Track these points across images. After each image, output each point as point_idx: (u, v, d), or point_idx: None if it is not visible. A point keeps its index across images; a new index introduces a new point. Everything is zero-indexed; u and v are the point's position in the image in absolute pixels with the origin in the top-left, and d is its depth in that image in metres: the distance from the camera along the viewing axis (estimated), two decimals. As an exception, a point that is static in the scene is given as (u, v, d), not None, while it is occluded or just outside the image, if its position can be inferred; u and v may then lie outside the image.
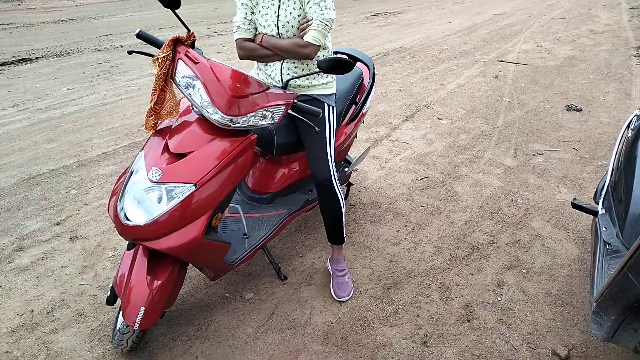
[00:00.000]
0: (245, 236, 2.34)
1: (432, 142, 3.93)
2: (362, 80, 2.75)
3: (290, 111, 2.03)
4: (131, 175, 1.91)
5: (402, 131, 4.13)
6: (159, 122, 1.98)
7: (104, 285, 2.48)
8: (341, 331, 2.19)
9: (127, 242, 2.01)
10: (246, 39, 2.22)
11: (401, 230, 2.86)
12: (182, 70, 1.86)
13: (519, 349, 2.08)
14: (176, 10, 1.84)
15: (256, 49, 2.21)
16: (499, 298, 2.36)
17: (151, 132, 1.99)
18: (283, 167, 2.57)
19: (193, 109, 2.05)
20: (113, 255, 2.70)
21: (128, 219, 1.84)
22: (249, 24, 2.21)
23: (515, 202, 3.11)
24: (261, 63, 2.33)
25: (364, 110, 2.77)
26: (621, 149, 2.39)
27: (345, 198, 2.93)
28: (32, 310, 2.32)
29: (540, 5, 9.22)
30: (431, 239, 2.78)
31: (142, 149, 1.95)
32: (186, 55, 1.85)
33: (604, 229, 2.14)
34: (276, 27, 2.17)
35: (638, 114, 2.53)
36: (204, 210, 1.89)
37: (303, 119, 2.13)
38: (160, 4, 1.84)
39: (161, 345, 2.13)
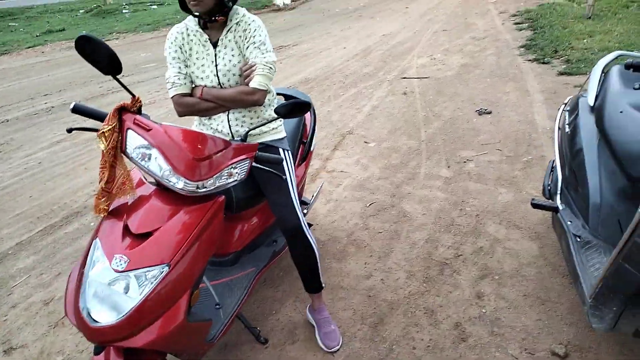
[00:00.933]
0: (218, 306, 2.15)
1: (368, 166, 3.95)
2: (305, 119, 2.69)
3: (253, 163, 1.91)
4: (89, 268, 1.67)
5: (335, 161, 4.12)
6: (111, 202, 1.76)
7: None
8: (343, 384, 2.06)
9: (95, 348, 1.73)
10: (184, 94, 2.07)
11: (368, 262, 2.80)
12: (134, 140, 1.67)
13: (520, 357, 2.09)
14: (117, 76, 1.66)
15: (197, 103, 2.07)
16: (483, 310, 2.36)
17: (102, 216, 1.76)
18: (242, 223, 2.41)
19: (147, 180, 1.86)
20: (62, 359, 2.36)
21: (95, 320, 1.59)
22: (185, 78, 2.07)
23: (465, 211, 3.19)
24: (204, 117, 2.19)
25: (312, 149, 2.70)
26: (563, 146, 2.53)
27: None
28: None
29: (421, 22, 9.85)
30: (400, 265, 2.75)
31: (96, 236, 1.71)
32: (135, 123, 1.67)
33: (569, 222, 2.23)
34: (216, 77, 2.05)
35: (565, 108, 2.71)
36: (183, 291, 1.70)
37: (266, 169, 2.01)
38: (100, 72, 1.65)
39: None
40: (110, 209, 1.76)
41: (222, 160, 1.76)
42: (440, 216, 3.17)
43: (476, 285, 2.53)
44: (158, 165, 1.66)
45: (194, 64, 2.07)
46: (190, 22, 2.09)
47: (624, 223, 2.01)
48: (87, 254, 1.72)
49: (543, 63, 6.21)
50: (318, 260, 2.25)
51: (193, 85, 2.10)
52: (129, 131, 1.68)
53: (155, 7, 16.82)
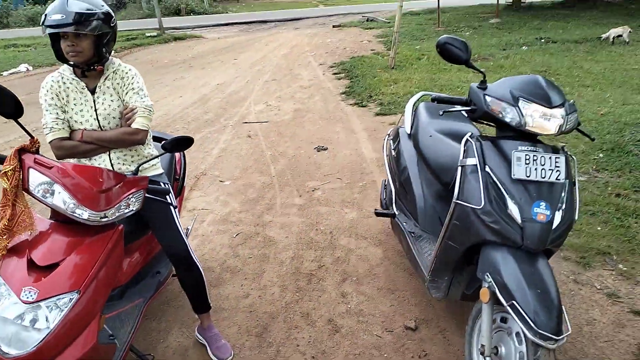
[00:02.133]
0: (112, 338, 2.22)
1: (227, 202, 4.24)
2: (175, 157, 2.92)
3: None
4: (-7, 306, 1.69)
5: (194, 200, 4.32)
6: (10, 240, 1.80)
7: None
8: (241, 387, 2.30)
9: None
10: (63, 138, 2.18)
11: (244, 284, 3.08)
12: (36, 178, 1.78)
13: (383, 336, 2.57)
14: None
15: (77, 146, 2.19)
16: (349, 306, 2.82)
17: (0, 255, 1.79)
18: (127, 256, 2.51)
19: (38, 217, 1.93)
20: None
21: (6, 353, 1.63)
22: (63, 123, 2.19)
23: (320, 230, 3.68)
24: (83, 158, 2.30)
25: (184, 185, 2.93)
26: (392, 166, 3.18)
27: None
28: None
29: (251, 72, 10.55)
30: (273, 281, 3.09)
31: None
32: (36, 162, 1.79)
33: (404, 223, 2.84)
34: (96, 121, 2.21)
35: (389, 138, 3.40)
36: (94, 315, 1.83)
37: (156, 199, 2.21)
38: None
39: None
40: (9, 247, 1.80)
41: (120, 192, 1.95)
42: (300, 237, 3.60)
43: (339, 287, 2.99)
44: (62, 199, 1.79)
45: (72, 109, 2.20)
46: (66, 71, 2.23)
47: (442, 218, 2.66)
48: None
49: (362, 106, 7.24)
50: (205, 283, 2.48)
51: (71, 130, 2.21)
52: (31, 170, 1.78)
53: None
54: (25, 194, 1.83)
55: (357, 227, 3.69)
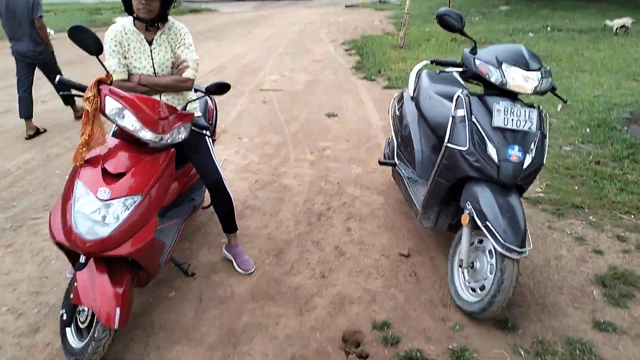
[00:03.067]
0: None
1: (246, 155, 4.72)
2: (208, 104, 3.37)
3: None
4: (74, 202, 2.16)
5: (217, 152, 4.76)
6: (88, 153, 2.27)
7: (19, 334, 2.48)
8: (262, 290, 2.80)
9: (77, 265, 2.21)
10: (123, 80, 2.62)
11: (263, 218, 3.57)
12: (111, 104, 2.24)
13: (380, 260, 3.06)
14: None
15: (135, 88, 2.60)
16: (352, 237, 3.31)
17: (77, 164, 2.26)
18: (170, 183, 3.00)
19: (110, 137, 2.41)
20: (7, 309, 2.66)
21: (87, 240, 2.10)
22: (123, 67, 2.61)
23: (329, 181, 4.15)
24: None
25: (217, 130, 3.39)
26: (396, 124, 3.63)
27: (207, 207, 3.44)
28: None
29: (266, 46, 10.94)
30: (288, 218, 3.57)
31: (76, 178, 2.21)
32: (111, 91, 2.24)
33: (403, 171, 3.31)
34: (152, 68, 2.63)
35: (394, 98, 3.85)
36: (152, 214, 2.31)
37: (199, 132, 2.68)
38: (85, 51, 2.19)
39: (122, 350, 2.37)
40: (86, 159, 2.28)
41: (174, 121, 2.42)
42: (312, 185, 4.08)
43: (345, 223, 3.48)
44: (131, 122, 2.26)
45: (132, 56, 2.62)
46: (127, 23, 2.65)
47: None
48: (66, 195, 2.22)
49: (371, 80, 7.67)
50: (234, 206, 2.96)
51: (130, 74, 2.65)
52: (107, 97, 2.24)
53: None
54: (101, 116, 2.29)
55: (362, 180, 4.16)
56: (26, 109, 5.41)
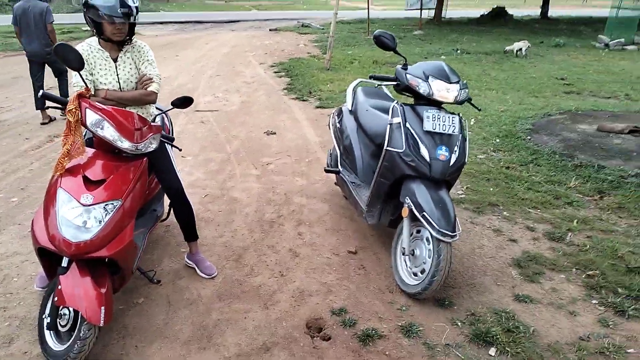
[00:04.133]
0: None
1: (192, 172, 4.91)
2: (164, 120, 3.58)
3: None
4: (58, 209, 2.33)
5: (162, 171, 4.94)
6: (68, 162, 2.44)
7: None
8: (227, 291, 3.04)
9: (59, 269, 2.36)
10: (91, 95, 2.81)
11: (218, 229, 3.80)
12: (91, 116, 2.44)
13: (331, 257, 3.40)
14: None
15: (102, 102, 2.81)
16: (304, 240, 3.63)
17: (58, 174, 2.43)
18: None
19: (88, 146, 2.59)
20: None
21: (71, 242, 2.28)
22: (90, 83, 2.79)
23: (276, 192, 4.46)
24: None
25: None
26: (337, 135, 4.03)
27: (165, 219, 3.63)
28: None
29: (194, 68, 11.09)
30: (242, 227, 3.83)
31: (60, 187, 2.38)
32: (90, 105, 2.44)
33: (347, 177, 3.70)
34: (117, 84, 2.84)
35: (334, 113, 4.25)
36: (130, 218, 2.52)
37: (167, 142, 2.92)
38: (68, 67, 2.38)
39: (101, 351, 2.51)
40: (66, 168, 2.45)
41: (147, 132, 2.65)
42: (260, 197, 4.36)
43: (296, 229, 3.79)
44: (110, 133, 2.47)
45: (98, 72, 2.81)
46: (93, 42, 2.84)
47: (375, 170, 3.54)
48: (47, 203, 2.38)
49: (303, 100, 8.09)
50: (195, 216, 3.19)
51: (96, 89, 2.84)
52: (87, 110, 2.44)
53: None
54: (82, 127, 2.47)
55: (307, 190, 4.51)
56: (40, 102, 6.51)
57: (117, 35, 2.69)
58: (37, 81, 6.73)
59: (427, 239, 2.89)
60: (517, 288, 3.09)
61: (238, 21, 23.96)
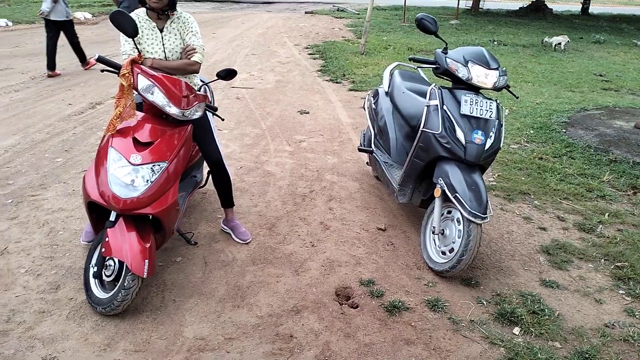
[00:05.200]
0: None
1: (228, 145, 5.04)
2: (207, 92, 3.70)
3: (203, 107, 2.93)
4: (109, 166, 2.47)
5: (199, 142, 5.08)
6: (120, 124, 2.58)
7: (41, 290, 2.72)
8: (260, 255, 3.16)
9: (107, 223, 2.51)
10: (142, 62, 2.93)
11: (252, 199, 3.92)
12: (142, 81, 2.57)
13: (361, 233, 3.49)
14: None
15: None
16: (335, 214, 3.73)
17: (109, 134, 2.57)
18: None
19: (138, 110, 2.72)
20: (26, 271, 2.88)
21: (120, 197, 2.42)
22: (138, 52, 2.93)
23: (308, 168, 4.56)
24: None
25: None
26: (372, 116, 4.09)
27: (203, 186, 3.77)
28: (-13, 327, 2.45)
29: (231, 46, 11.22)
30: (275, 198, 3.95)
31: (111, 146, 2.52)
32: (143, 70, 2.57)
33: (380, 157, 3.77)
34: (163, 53, 2.96)
35: (369, 94, 4.31)
36: (174, 180, 2.65)
37: (211, 111, 3.03)
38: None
39: (142, 303, 2.67)
40: (117, 129, 2.59)
41: (193, 99, 2.77)
42: (293, 172, 4.47)
43: (327, 204, 3.89)
44: (160, 98, 2.59)
45: (145, 42, 2.93)
46: (141, 13, 2.97)
47: (408, 151, 3.59)
48: (98, 160, 2.53)
49: (336, 82, 8.14)
50: (232, 183, 3.31)
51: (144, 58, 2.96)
52: (139, 75, 2.56)
53: None
54: (134, 91, 2.61)
55: (338, 168, 4.59)
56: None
57: (155, 1, 2.78)
58: (53, 44, 7.60)
59: (458, 220, 2.95)
60: (545, 274, 3.13)
61: (274, 2, 24.00)
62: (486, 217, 2.80)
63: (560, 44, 11.59)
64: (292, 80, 8.11)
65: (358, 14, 19.53)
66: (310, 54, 10.74)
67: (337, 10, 20.46)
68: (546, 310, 2.75)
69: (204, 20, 15.99)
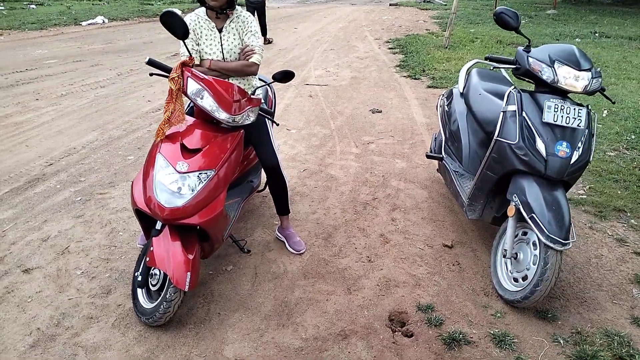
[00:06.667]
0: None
1: (294, 145, 4.92)
2: (268, 93, 3.58)
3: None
4: (156, 173, 2.40)
5: (266, 142, 5.01)
6: (168, 129, 2.51)
7: (93, 294, 2.74)
8: (312, 269, 2.99)
9: (153, 231, 2.45)
10: (195, 65, 2.85)
11: (311, 205, 3.76)
12: (192, 85, 2.47)
13: (424, 249, 3.20)
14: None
15: (205, 72, 2.85)
16: (397, 226, 3.46)
17: (159, 139, 2.51)
18: (231, 164, 3.22)
19: (188, 115, 2.64)
20: (82, 272, 2.93)
21: (165, 207, 2.34)
22: (196, 53, 2.84)
23: (374, 173, 4.31)
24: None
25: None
26: (444, 119, 3.76)
27: (262, 190, 3.66)
28: (39, 328, 2.48)
29: (310, 41, 11.14)
30: (335, 205, 3.75)
31: (159, 152, 2.45)
32: (193, 74, 2.47)
33: (450, 165, 3.44)
34: (221, 54, 2.86)
35: (442, 95, 3.97)
36: (222, 189, 2.52)
37: (265, 116, 2.89)
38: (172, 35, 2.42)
39: (186, 314, 2.59)
40: (166, 135, 2.51)
41: (245, 104, 2.63)
42: (357, 177, 4.24)
43: (390, 214, 3.63)
44: (209, 103, 2.48)
45: (204, 42, 2.85)
46: (200, 13, 2.89)
47: (482, 160, 3.24)
48: (147, 167, 2.46)
49: (415, 79, 7.76)
50: (288, 190, 3.15)
51: (201, 59, 2.88)
52: (189, 79, 2.47)
53: (34, 6, 16.07)
54: (182, 96, 2.53)
55: (406, 174, 4.30)
56: None
57: (214, 0, 2.68)
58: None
59: (534, 244, 2.58)
60: (637, 309, 2.68)
61: (358, -5, 23.69)
62: (568, 243, 2.42)
63: (675, 34, 10.27)
64: (368, 77, 7.85)
65: (445, 4, 18.71)
66: (390, 48, 10.38)
67: (424, 1, 19.75)
68: (637, 356, 2.32)
69: (287, 14, 16.09)
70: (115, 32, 12.24)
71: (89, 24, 12.89)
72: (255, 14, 10.26)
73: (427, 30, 12.80)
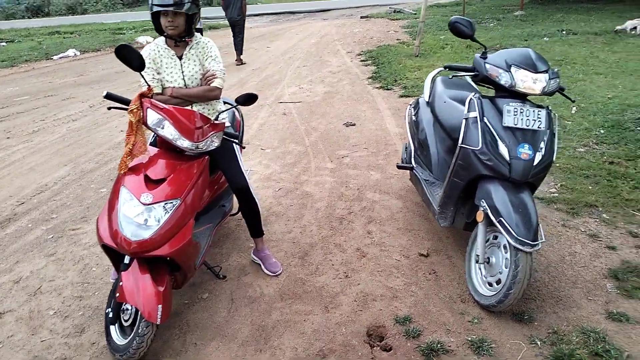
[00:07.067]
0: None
1: (269, 165, 4.92)
2: (236, 115, 3.58)
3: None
4: (120, 206, 2.38)
5: (240, 163, 5.00)
6: (131, 161, 2.49)
7: (66, 334, 2.69)
8: (289, 290, 2.97)
9: (121, 266, 2.42)
10: (157, 93, 2.85)
11: (287, 224, 3.75)
12: (152, 116, 2.46)
13: (401, 260, 3.20)
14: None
15: (168, 100, 2.84)
16: (373, 239, 3.46)
17: (122, 172, 2.49)
18: (201, 190, 3.20)
19: (149, 146, 2.62)
20: (54, 312, 2.87)
21: (131, 240, 2.31)
22: (157, 82, 2.84)
23: (349, 187, 4.32)
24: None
25: (244, 141, 3.60)
26: (412, 129, 3.79)
27: (235, 214, 3.63)
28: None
29: (283, 59, 11.21)
30: (311, 222, 3.75)
31: (123, 185, 2.43)
32: (152, 104, 2.46)
33: (420, 174, 3.46)
34: (182, 81, 2.86)
35: (410, 105, 4.01)
36: (189, 217, 2.51)
37: (230, 140, 2.89)
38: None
39: (162, 347, 2.55)
40: (129, 167, 2.50)
41: (208, 130, 2.63)
42: (332, 192, 4.25)
43: (366, 227, 3.64)
44: (170, 131, 2.47)
45: (164, 71, 2.86)
46: (160, 42, 2.90)
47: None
48: (111, 201, 2.44)
49: (387, 89, 7.83)
50: (260, 212, 3.14)
51: (163, 87, 2.88)
52: (148, 109, 2.46)
53: (4, 44, 15.96)
54: (144, 127, 2.51)
55: (381, 185, 4.32)
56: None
57: (170, 28, 2.69)
58: (235, 38, 10.95)
59: (505, 247, 2.60)
60: (612, 304, 2.70)
61: (330, 10, 23.94)
62: (537, 244, 2.44)
63: (635, 28, 10.53)
64: (341, 91, 7.90)
65: (415, 13, 18.98)
66: (362, 60, 10.48)
67: (394, 12, 20.01)
68: (612, 351, 2.34)
69: (260, 34, 16.19)
70: (87, 63, 12.20)
71: (60, 58, 12.84)
72: (234, 31, 10.86)
73: (398, 40, 12.96)
